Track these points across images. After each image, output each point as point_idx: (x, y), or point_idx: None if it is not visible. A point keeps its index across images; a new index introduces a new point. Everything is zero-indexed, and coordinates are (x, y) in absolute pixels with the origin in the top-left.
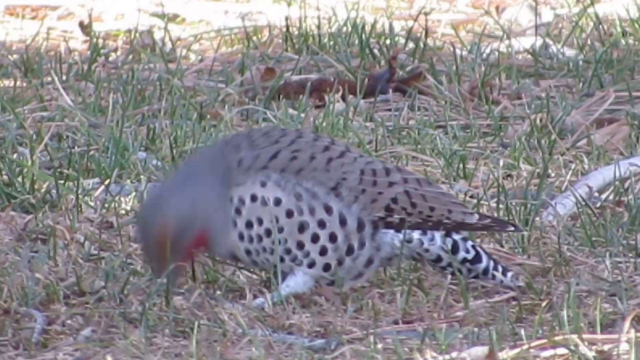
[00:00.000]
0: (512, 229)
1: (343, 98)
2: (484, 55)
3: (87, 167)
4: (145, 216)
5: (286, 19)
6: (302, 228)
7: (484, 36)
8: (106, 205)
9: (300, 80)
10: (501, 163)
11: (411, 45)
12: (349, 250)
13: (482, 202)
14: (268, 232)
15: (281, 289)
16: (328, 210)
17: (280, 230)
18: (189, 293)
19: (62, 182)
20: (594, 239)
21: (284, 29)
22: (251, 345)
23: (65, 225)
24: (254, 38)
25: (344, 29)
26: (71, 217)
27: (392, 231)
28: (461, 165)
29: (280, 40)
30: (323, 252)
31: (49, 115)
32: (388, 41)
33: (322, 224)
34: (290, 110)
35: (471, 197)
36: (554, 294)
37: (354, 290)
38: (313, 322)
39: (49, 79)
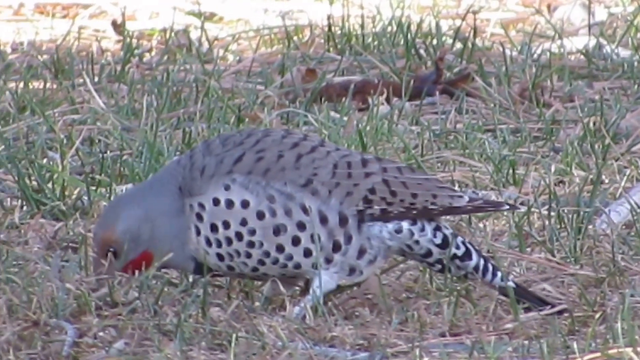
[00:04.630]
0: (507, 207)
1: (387, 100)
2: (535, 55)
3: (120, 173)
4: (99, 222)
5: (328, 17)
6: (277, 231)
7: (535, 36)
8: None
9: (342, 81)
10: (553, 169)
11: (459, 45)
12: (336, 247)
13: (532, 209)
14: (238, 235)
15: (314, 290)
16: (305, 210)
17: (252, 232)
18: (227, 304)
19: (93, 188)
20: None
21: (326, 29)
22: (291, 358)
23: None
24: (295, 38)
25: (389, 28)
26: None
27: (379, 223)
28: (511, 171)
29: (322, 40)
30: (307, 253)
31: (81, 119)
32: (435, 41)
33: (301, 226)
34: (332, 113)
35: (521, 204)
36: (607, 306)
37: (399, 302)
38: (356, 335)
39: (81, 80)
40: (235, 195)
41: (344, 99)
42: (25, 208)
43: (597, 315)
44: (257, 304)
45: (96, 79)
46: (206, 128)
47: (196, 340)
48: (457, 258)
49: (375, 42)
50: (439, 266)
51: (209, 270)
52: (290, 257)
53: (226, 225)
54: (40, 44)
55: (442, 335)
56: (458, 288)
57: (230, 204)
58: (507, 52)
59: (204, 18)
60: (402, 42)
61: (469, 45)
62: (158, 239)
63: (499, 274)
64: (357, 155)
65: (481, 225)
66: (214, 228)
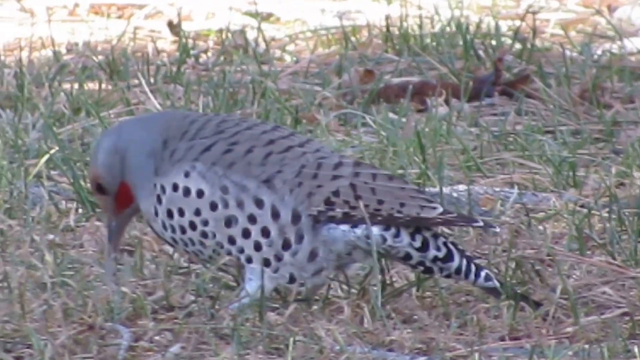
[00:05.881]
0: (480, 224)
1: (446, 102)
2: (595, 56)
3: None
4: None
5: (386, 18)
6: (229, 222)
7: (595, 36)
8: None
9: (401, 83)
10: (613, 171)
11: (518, 46)
12: (286, 245)
13: (592, 211)
14: (192, 225)
15: (241, 295)
16: (259, 203)
17: (205, 223)
18: (284, 308)
19: None
20: None
21: (384, 29)
22: None
23: (152, 236)
24: (352, 38)
25: (447, 28)
26: None
27: (344, 226)
28: (571, 173)
29: (380, 41)
30: (257, 247)
31: None
32: (494, 42)
33: (252, 219)
34: (391, 115)
35: (581, 206)
36: None
37: (458, 305)
38: (414, 339)
39: (136, 81)
40: (193, 183)
41: (402, 100)
42: (80, 211)
43: None
44: (314, 307)
45: (152, 80)
46: None
47: (253, 344)
48: (438, 260)
49: (434, 43)
50: (422, 268)
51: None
52: (241, 250)
53: (181, 212)
54: (95, 45)
55: (502, 339)
56: (518, 291)
57: (187, 191)
58: (567, 52)
59: (261, 18)
60: (460, 42)
61: (528, 46)
62: (131, 167)
63: (483, 274)
64: (335, 158)
65: (541, 227)
66: (169, 214)
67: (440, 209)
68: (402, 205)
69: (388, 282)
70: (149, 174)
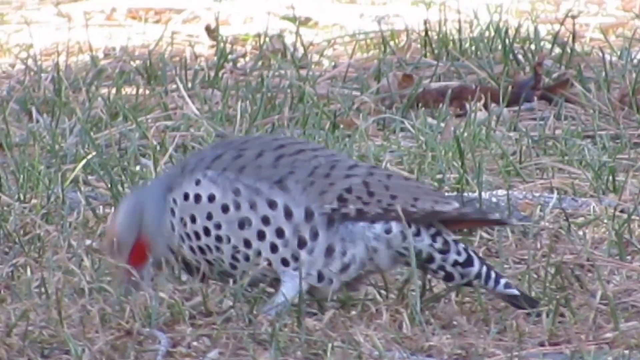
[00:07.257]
0: (496, 216)
1: (485, 106)
2: (635, 61)
3: None
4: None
5: (425, 22)
6: (242, 225)
7: (635, 41)
8: None
9: (439, 87)
10: None
11: (557, 50)
12: (301, 243)
13: (632, 216)
14: (206, 230)
15: (279, 300)
16: (272, 205)
17: (218, 226)
18: (322, 313)
19: None
20: None
21: (423, 33)
22: None
23: None
24: (391, 43)
25: (487, 33)
26: None
27: (363, 223)
28: (611, 178)
29: (419, 45)
30: (273, 248)
31: (174, 125)
32: (533, 46)
33: (266, 220)
34: (429, 120)
35: (621, 211)
36: None
37: (497, 310)
38: (454, 344)
39: (174, 86)
40: (203, 189)
41: (441, 104)
42: None
43: None
44: (352, 312)
45: (189, 84)
46: (301, 134)
47: (291, 350)
48: (458, 265)
49: (473, 47)
50: (443, 273)
51: (194, 270)
52: (258, 253)
53: (193, 219)
54: (133, 50)
55: (541, 344)
56: (557, 297)
57: (197, 198)
58: (607, 57)
59: (299, 23)
60: (499, 47)
61: (568, 50)
62: (147, 220)
63: (502, 281)
64: (350, 161)
65: (580, 232)
66: (183, 223)
67: (456, 205)
68: (415, 199)
69: (427, 287)
70: (162, 220)
